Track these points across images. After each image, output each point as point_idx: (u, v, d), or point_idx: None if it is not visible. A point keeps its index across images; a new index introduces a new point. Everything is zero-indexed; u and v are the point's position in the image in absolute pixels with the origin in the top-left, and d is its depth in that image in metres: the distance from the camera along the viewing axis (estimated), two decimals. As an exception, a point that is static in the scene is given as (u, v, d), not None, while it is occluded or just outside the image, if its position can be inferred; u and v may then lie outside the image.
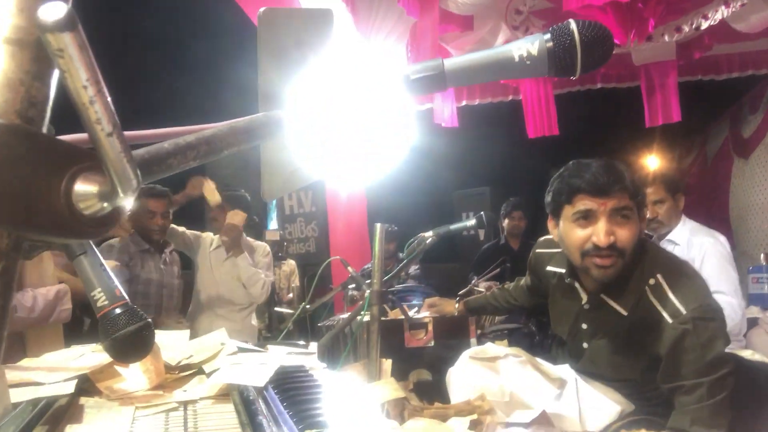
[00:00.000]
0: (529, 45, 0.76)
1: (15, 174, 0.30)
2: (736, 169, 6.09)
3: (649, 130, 5.48)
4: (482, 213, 2.29)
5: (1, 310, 0.30)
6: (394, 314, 2.39)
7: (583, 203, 1.44)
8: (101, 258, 0.97)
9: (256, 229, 4.76)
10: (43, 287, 1.93)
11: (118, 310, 0.91)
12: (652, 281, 1.45)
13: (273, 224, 6.98)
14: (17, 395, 0.87)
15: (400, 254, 4.31)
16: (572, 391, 1.70)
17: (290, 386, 1.00)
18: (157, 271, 3.14)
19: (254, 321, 3.59)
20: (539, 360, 1.84)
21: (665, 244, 2.89)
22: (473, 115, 5.82)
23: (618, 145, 6.81)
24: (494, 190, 7.29)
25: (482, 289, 3.65)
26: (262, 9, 0.56)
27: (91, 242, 0.98)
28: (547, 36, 0.74)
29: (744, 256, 5.59)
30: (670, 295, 1.41)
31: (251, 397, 0.91)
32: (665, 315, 1.40)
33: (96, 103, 0.30)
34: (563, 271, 1.66)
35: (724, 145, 6.46)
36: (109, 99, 0.31)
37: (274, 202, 6.95)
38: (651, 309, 1.43)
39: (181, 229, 3.44)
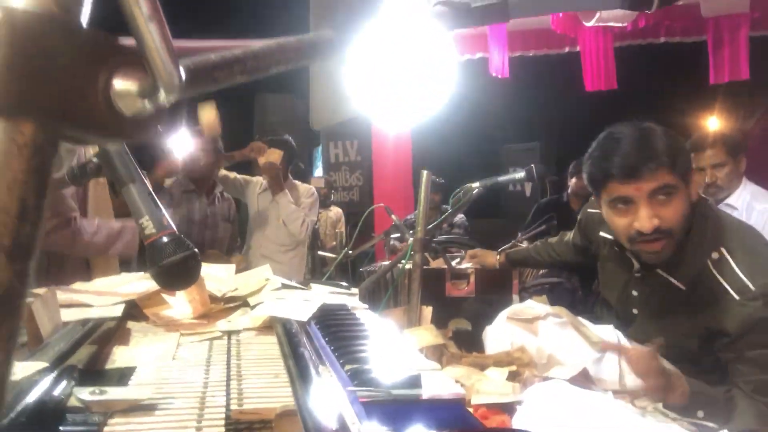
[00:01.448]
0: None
1: (51, 65, 0.29)
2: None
3: (711, 87, 5.19)
4: (533, 165, 2.21)
5: (35, 210, 0.28)
6: (437, 263, 2.37)
7: (618, 190, 1.32)
8: (149, 187, 0.98)
9: (302, 175, 4.79)
10: (110, 220, 2.03)
11: (165, 239, 0.92)
12: (715, 255, 1.34)
13: (318, 172, 7.02)
14: (68, 315, 0.90)
15: (445, 206, 4.26)
16: (614, 355, 1.66)
17: (332, 323, 1.00)
18: (201, 213, 3.19)
19: (301, 264, 3.65)
20: (581, 320, 1.79)
21: (723, 209, 2.75)
22: (527, 67, 5.61)
23: (679, 103, 6.50)
24: (545, 146, 7.11)
25: (525, 246, 3.60)
26: None
27: (141, 172, 0.98)
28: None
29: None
30: (737, 270, 1.30)
31: (294, 330, 0.91)
32: (731, 291, 1.30)
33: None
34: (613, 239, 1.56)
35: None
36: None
37: (320, 149, 6.96)
38: (714, 283, 1.33)
39: (232, 174, 3.49)
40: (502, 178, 2.29)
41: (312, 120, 0.61)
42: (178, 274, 0.91)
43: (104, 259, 2.00)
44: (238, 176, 3.50)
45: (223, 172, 3.39)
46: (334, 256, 2.50)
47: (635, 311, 1.60)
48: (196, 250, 0.93)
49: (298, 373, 0.72)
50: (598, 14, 4.20)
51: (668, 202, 1.30)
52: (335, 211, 5.28)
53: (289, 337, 0.87)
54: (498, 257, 2.33)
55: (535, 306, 1.84)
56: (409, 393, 0.69)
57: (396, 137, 6.15)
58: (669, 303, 1.47)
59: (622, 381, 1.62)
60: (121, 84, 0.31)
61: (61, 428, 0.57)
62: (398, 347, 0.90)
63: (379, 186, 6.31)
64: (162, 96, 0.32)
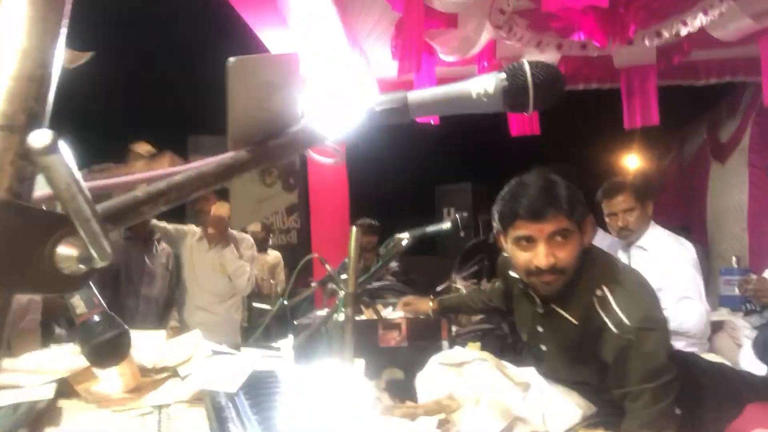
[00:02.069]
0: (486, 83, 0.82)
1: (8, 244, 0.36)
2: (713, 173, 6.22)
3: (628, 130, 5.59)
4: (457, 216, 2.34)
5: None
6: (370, 313, 2.44)
7: (522, 229, 1.50)
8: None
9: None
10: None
11: (96, 317, 0.96)
12: (599, 292, 1.51)
13: (256, 214, 6.98)
14: (1, 399, 0.92)
15: (382, 249, 4.37)
16: (536, 395, 1.77)
17: (260, 392, 1.06)
18: (139, 261, 3.17)
19: (237, 314, 3.64)
20: (505, 363, 1.91)
21: (635, 251, 2.98)
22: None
23: (597, 145, 6.92)
24: (475, 186, 7.39)
25: (460, 286, 3.73)
26: (231, 59, 0.61)
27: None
28: (503, 75, 0.80)
29: (718, 259, 5.74)
30: (614, 307, 1.47)
31: (222, 403, 0.97)
32: (611, 326, 1.47)
33: (76, 199, 0.35)
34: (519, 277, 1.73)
35: (701, 148, 6.59)
36: (88, 194, 0.36)
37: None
38: (598, 319, 1.50)
39: (162, 223, 3.47)
40: (429, 229, 2.40)
41: (233, 221, 0.68)
42: (109, 352, 0.95)
43: (21, 332, 1.97)
44: (169, 225, 3.48)
45: (153, 221, 3.36)
46: (269, 307, 2.53)
47: (543, 347, 1.75)
48: (126, 327, 0.97)
49: (225, 450, 0.77)
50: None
51: (564, 244, 1.49)
52: (273, 256, 5.28)
53: (217, 411, 0.92)
54: (432, 304, 2.43)
55: (463, 351, 1.95)
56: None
57: (332, 178, 6.25)
58: (568, 338, 1.62)
59: (545, 420, 1.73)
60: (64, 251, 0.39)
61: None
62: (324, 412, 0.97)
63: (317, 229, 6.35)
64: (96, 261, 0.39)
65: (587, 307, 1.53)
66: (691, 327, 2.69)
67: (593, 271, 1.56)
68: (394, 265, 5.15)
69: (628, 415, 1.48)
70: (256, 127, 0.65)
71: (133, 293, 3.12)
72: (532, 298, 1.70)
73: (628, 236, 2.97)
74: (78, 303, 0.97)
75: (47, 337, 2.38)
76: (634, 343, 1.43)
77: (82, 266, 0.39)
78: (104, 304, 0.99)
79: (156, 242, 3.30)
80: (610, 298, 1.49)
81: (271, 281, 4.93)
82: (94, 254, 0.38)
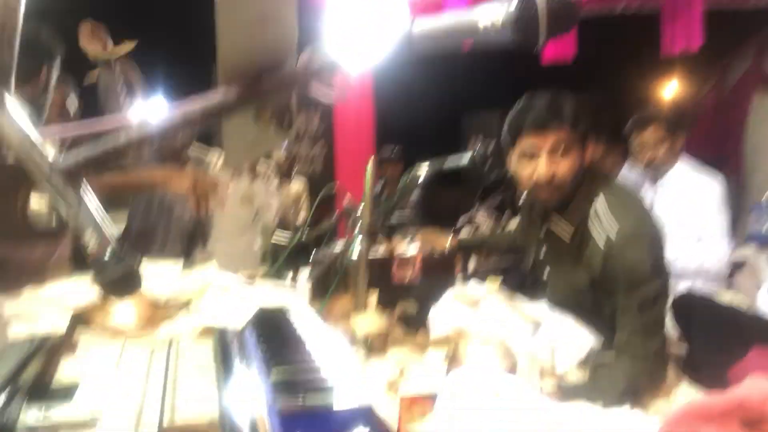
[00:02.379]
0: (494, 14, 0.78)
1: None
2: (756, 103, 5.96)
3: (667, 59, 5.34)
4: (474, 152, 2.31)
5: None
6: (386, 246, 2.47)
7: (526, 141, 1.56)
8: (90, 201, 1.04)
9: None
10: None
11: (107, 253, 0.99)
12: (592, 207, 1.56)
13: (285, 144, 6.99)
14: (15, 331, 0.97)
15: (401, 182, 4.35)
16: (547, 331, 1.80)
17: (267, 328, 1.10)
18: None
19: (256, 246, 3.71)
20: (519, 301, 1.93)
21: (661, 184, 2.91)
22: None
23: (634, 73, 6.64)
24: (506, 114, 7.19)
25: (481, 219, 3.74)
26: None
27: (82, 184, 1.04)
28: (513, 6, 0.75)
29: (753, 191, 5.58)
30: (603, 217, 1.52)
31: (229, 338, 1.01)
32: (599, 235, 1.52)
33: (31, 156, 0.35)
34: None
35: (744, 77, 6.27)
36: (42, 150, 0.36)
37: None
38: (590, 232, 1.55)
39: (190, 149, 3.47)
40: (449, 161, 2.38)
41: (225, 161, 0.67)
42: (121, 286, 0.98)
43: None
44: (196, 152, 3.50)
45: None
46: (284, 244, 2.56)
47: (546, 273, 1.82)
48: (138, 263, 1.00)
49: (225, 384, 0.81)
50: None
51: (565, 157, 1.54)
52: (297, 185, 5.30)
53: (222, 345, 0.96)
54: (450, 240, 2.44)
55: (477, 287, 1.98)
56: (321, 402, 0.79)
57: (358, 105, 6.17)
58: (565, 257, 1.67)
59: (554, 355, 1.77)
60: (33, 204, 0.39)
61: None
62: (328, 351, 1.00)
63: (342, 156, 6.34)
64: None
65: (582, 221, 1.57)
66: (711, 267, 2.65)
67: (593, 186, 1.59)
68: (417, 197, 5.17)
69: (618, 327, 1.51)
70: (248, 63, 0.63)
71: (166, 221, 3.17)
72: (536, 221, 1.76)
73: (655, 170, 2.90)
74: (89, 239, 1.00)
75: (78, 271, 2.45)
76: (618, 254, 1.47)
77: (53, 220, 0.40)
78: (115, 240, 1.02)
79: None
80: (602, 211, 1.53)
81: (297, 209, 4.98)
82: (60, 208, 0.39)
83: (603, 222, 1.52)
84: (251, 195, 3.40)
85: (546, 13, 0.76)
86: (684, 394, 1.55)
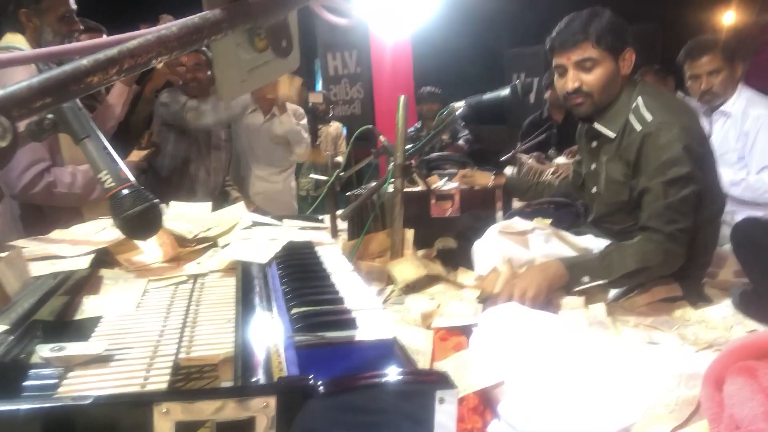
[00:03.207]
0: None
1: None
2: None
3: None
4: (517, 82, 2.19)
5: None
6: (433, 180, 2.41)
7: (556, 59, 1.71)
8: (105, 141, 1.01)
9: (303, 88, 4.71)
10: (85, 165, 2.01)
11: (125, 191, 0.96)
12: (634, 104, 1.66)
13: (319, 85, 6.90)
14: (40, 269, 0.97)
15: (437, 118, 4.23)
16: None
17: (292, 263, 1.06)
18: (203, 133, 3.19)
19: (293, 183, 3.70)
20: (564, 233, 1.86)
21: (717, 115, 2.73)
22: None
23: (689, 0, 6.18)
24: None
25: (525, 157, 3.60)
26: None
27: (94, 125, 1.01)
28: None
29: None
30: (642, 110, 1.63)
31: (252, 274, 0.98)
32: (636, 125, 1.62)
33: None
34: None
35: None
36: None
37: (318, 61, 6.82)
38: (631, 124, 1.65)
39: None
40: (486, 96, 2.26)
41: (220, 91, 0.63)
42: (140, 224, 0.95)
43: (92, 203, 2.04)
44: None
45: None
46: (325, 178, 2.52)
47: (594, 189, 1.85)
48: (156, 201, 0.97)
49: (244, 318, 0.78)
50: None
51: (591, 71, 1.65)
52: (335, 126, 5.25)
53: (245, 281, 0.93)
54: (494, 178, 2.35)
55: (521, 221, 1.91)
56: (342, 336, 0.75)
57: (395, 45, 6.00)
58: (610, 158, 1.73)
59: (604, 287, 1.70)
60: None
61: (23, 384, 0.65)
62: (350, 287, 0.96)
63: (380, 98, 6.22)
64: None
65: (625, 120, 1.67)
66: None
67: (633, 92, 1.69)
68: (464, 133, 5.04)
69: (642, 208, 1.60)
70: None
71: (200, 166, 3.18)
72: (585, 139, 1.87)
73: (711, 101, 2.71)
74: (105, 177, 0.97)
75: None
76: (652, 135, 1.57)
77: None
78: (132, 178, 0.99)
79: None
80: (641, 103, 1.64)
81: (337, 150, 4.95)
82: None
83: (642, 113, 1.62)
84: (281, 131, 3.36)
85: None
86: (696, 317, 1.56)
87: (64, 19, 2.11)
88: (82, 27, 2.21)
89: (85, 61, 0.43)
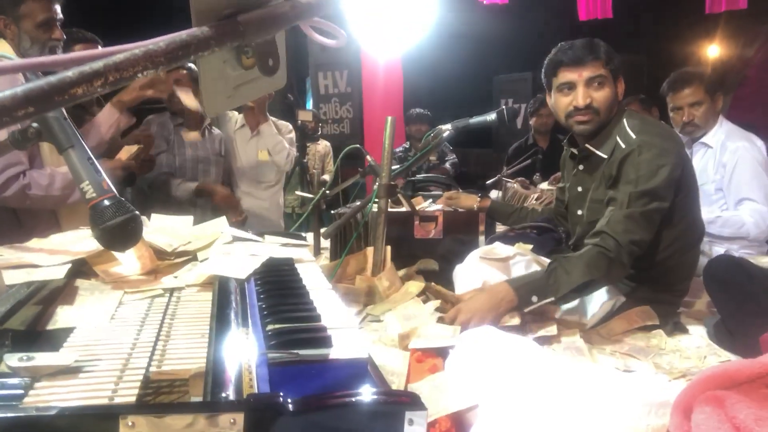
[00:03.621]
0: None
1: None
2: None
3: (710, 17, 5.06)
4: (503, 107, 2.23)
5: None
6: (418, 201, 2.42)
7: (565, 75, 1.75)
8: (89, 151, 1.01)
9: (292, 107, 4.73)
10: (64, 167, 1.98)
11: (106, 202, 0.96)
12: (621, 127, 1.74)
13: (310, 104, 6.94)
14: (14, 277, 0.96)
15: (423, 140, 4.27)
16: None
17: (270, 280, 1.06)
18: (192, 146, 3.19)
19: (280, 200, 3.70)
20: (544, 259, 1.87)
21: (698, 147, 2.78)
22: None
23: (675, 33, 6.33)
24: (537, 76, 6.99)
25: (510, 181, 3.64)
26: None
27: (79, 135, 1.02)
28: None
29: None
30: (628, 130, 1.71)
31: (229, 289, 0.97)
32: (622, 145, 1.69)
33: None
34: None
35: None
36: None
37: (308, 80, 6.86)
38: (618, 146, 1.71)
39: None
40: (473, 120, 2.30)
41: (206, 108, 0.64)
42: (119, 235, 0.95)
43: (70, 209, 2.02)
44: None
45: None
46: (311, 196, 2.53)
47: (580, 212, 1.89)
48: (136, 212, 0.97)
49: (218, 334, 0.78)
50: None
51: (600, 89, 1.73)
52: (324, 145, 5.27)
53: (222, 296, 0.93)
54: (480, 201, 2.37)
55: (502, 247, 1.92)
56: (316, 354, 0.75)
57: (386, 67, 6.06)
58: (594, 180, 1.80)
59: (582, 314, 1.71)
60: None
61: (-12, 392, 0.64)
62: (327, 305, 0.96)
63: (370, 117, 6.27)
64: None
65: (614, 143, 1.73)
66: (751, 230, 2.54)
67: (623, 116, 1.78)
68: (451, 157, 5.10)
69: (603, 216, 1.65)
70: (222, 1, 0.58)
71: (191, 181, 3.17)
72: (573, 159, 1.92)
73: (692, 132, 2.77)
74: (87, 188, 0.97)
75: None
76: (633, 152, 1.64)
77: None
78: (114, 189, 0.99)
79: (207, 128, 3.31)
80: (627, 126, 1.72)
81: (324, 168, 4.96)
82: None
83: (628, 133, 1.70)
84: (263, 141, 3.37)
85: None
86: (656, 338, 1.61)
87: (42, 27, 2.07)
88: (63, 36, 2.16)
89: (70, 73, 0.44)
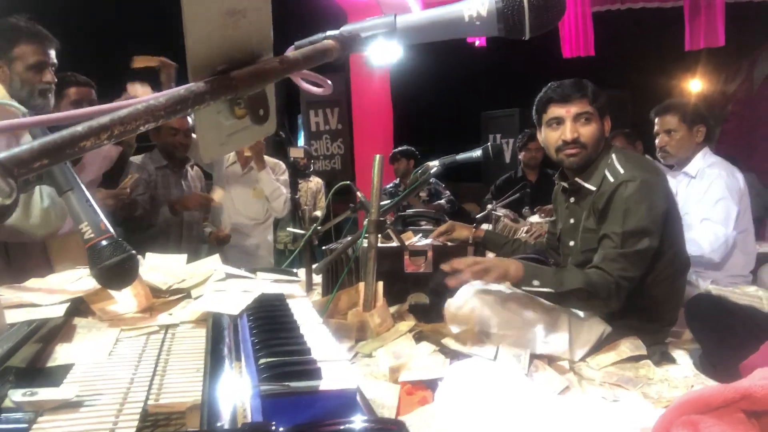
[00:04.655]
0: (479, 5, 0.77)
1: None
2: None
3: (692, 52, 5.22)
4: (489, 144, 2.30)
5: None
6: (407, 236, 2.46)
7: (554, 111, 1.86)
8: (87, 193, 1.05)
9: (283, 144, 4.82)
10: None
11: (104, 242, 1.00)
12: (609, 161, 1.82)
13: (301, 141, 7.04)
14: (15, 316, 0.99)
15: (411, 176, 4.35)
16: (564, 322, 1.78)
17: (262, 315, 1.09)
18: (177, 188, 3.23)
19: (270, 237, 3.73)
20: (533, 295, 1.90)
21: (681, 177, 2.86)
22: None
23: (658, 68, 6.51)
24: (524, 112, 7.13)
25: (500, 214, 3.69)
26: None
27: (78, 178, 1.06)
28: (498, -3, 0.75)
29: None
30: (616, 165, 1.79)
31: (223, 325, 1.01)
32: (611, 179, 1.76)
33: None
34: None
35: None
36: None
37: (300, 117, 6.98)
38: (607, 180, 1.78)
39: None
40: (459, 157, 2.37)
41: (201, 154, 0.69)
42: (116, 274, 0.98)
43: (61, 245, 2.03)
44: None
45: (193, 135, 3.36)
46: (303, 232, 2.57)
47: (571, 243, 1.94)
48: (133, 252, 1.01)
49: (212, 368, 0.81)
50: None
51: (586, 125, 1.83)
52: (315, 182, 5.33)
53: (215, 332, 0.96)
54: (474, 230, 2.40)
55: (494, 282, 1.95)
56: (307, 385, 0.79)
57: (376, 103, 6.19)
58: (585, 211, 1.86)
59: (571, 348, 1.74)
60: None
61: (-6, 426, 0.67)
62: (318, 339, 0.99)
63: (360, 154, 6.36)
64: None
65: (602, 176, 1.81)
66: (707, 250, 2.58)
67: (609, 152, 1.87)
68: (446, 194, 5.18)
69: (597, 252, 1.73)
70: (217, 56, 0.63)
71: (174, 219, 3.19)
72: (564, 193, 2.00)
73: (665, 158, 2.88)
74: (86, 229, 1.01)
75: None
76: (621, 186, 1.72)
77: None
78: (111, 230, 1.03)
79: (189, 168, 3.35)
80: (615, 160, 1.81)
81: (316, 205, 5.01)
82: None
83: (616, 167, 1.78)
84: (260, 185, 3.42)
85: (530, 5, 0.75)
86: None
87: (33, 69, 2.10)
88: (54, 80, 2.19)
89: (80, 128, 0.48)
